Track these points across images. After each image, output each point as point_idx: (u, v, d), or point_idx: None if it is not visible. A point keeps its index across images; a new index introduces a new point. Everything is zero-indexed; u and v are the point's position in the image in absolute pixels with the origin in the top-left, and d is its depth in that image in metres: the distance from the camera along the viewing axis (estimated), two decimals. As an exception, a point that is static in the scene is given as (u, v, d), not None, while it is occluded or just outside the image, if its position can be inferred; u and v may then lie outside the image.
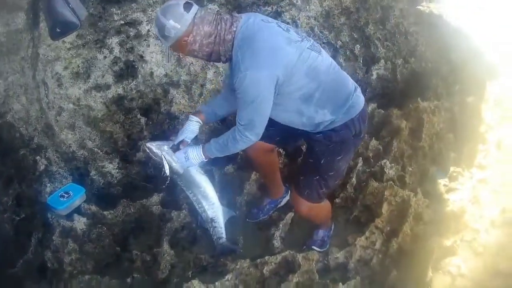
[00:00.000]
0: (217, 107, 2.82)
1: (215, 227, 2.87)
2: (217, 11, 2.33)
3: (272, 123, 2.43)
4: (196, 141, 2.79)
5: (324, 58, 2.39)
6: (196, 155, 2.58)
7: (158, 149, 2.64)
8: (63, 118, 3.36)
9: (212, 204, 2.83)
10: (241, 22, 2.26)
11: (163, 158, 2.61)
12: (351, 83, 2.52)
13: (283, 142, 3.06)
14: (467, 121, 3.81)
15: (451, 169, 3.43)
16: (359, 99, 2.50)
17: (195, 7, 2.21)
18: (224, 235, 2.88)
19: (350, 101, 2.43)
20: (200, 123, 2.77)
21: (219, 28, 2.22)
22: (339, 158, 2.53)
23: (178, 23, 2.16)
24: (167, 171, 2.63)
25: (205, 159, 2.59)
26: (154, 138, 3.60)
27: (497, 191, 3.16)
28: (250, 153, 2.93)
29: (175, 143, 2.68)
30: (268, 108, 2.27)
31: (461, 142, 3.69)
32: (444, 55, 4.18)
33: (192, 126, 2.74)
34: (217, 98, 2.88)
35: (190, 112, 3.54)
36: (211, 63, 3.68)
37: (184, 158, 2.60)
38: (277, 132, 2.69)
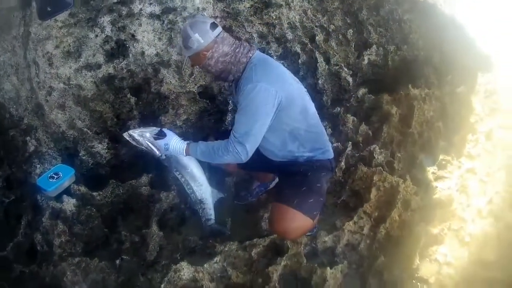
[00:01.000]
0: None
1: (204, 208, 2.88)
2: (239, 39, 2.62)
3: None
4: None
5: (313, 105, 2.68)
6: (177, 149, 2.64)
7: (140, 136, 2.67)
8: (53, 97, 3.30)
9: (200, 186, 2.85)
10: (257, 53, 2.53)
11: (148, 144, 2.68)
12: (326, 134, 2.84)
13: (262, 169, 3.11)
14: (457, 111, 3.83)
15: (440, 157, 3.46)
16: (331, 149, 2.81)
17: (219, 29, 2.48)
18: (213, 217, 2.90)
19: (326, 147, 2.75)
20: None
21: (236, 51, 2.47)
22: (323, 174, 2.70)
23: (202, 38, 2.41)
24: (156, 153, 2.71)
25: (185, 155, 2.66)
26: (143, 119, 3.61)
27: (485, 181, 3.21)
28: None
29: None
30: (265, 126, 2.41)
31: (451, 131, 3.71)
32: (437, 44, 4.17)
33: None
34: None
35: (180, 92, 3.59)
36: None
37: (163, 147, 2.66)
38: (254, 164, 2.71)
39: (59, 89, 3.32)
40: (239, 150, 2.37)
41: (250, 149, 2.39)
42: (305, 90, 2.66)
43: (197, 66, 2.62)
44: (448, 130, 3.72)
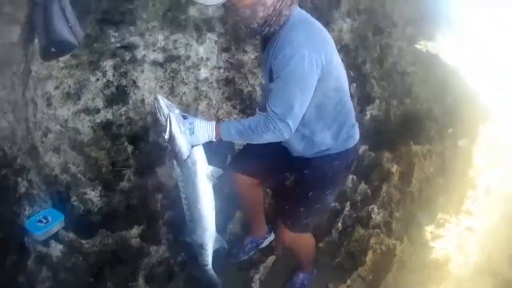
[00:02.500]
0: None
1: (202, 254, 2.56)
2: None
3: (261, 153, 2.41)
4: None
5: (347, 82, 2.34)
6: (205, 130, 2.18)
7: (167, 106, 2.16)
8: (49, 139, 3.33)
9: (205, 230, 2.45)
10: (297, 9, 2.14)
11: (168, 118, 2.13)
12: (354, 115, 2.48)
13: (271, 174, 2.94)
14: (458, 165, 3.85)
15: (439, 215, 3.45)
16: (357, 132, 2.47)
17: None
18: (210, 263, 2.61)
19: (352, 131, 2.41)
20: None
21: None
22: (328, 192, 2.48)
23: None
24: (166, 135, 2.14)
25: (215, 138, 2.19)
26: (139, 169, 3.58)
27: (483, 238, 3.23)
28: (236, 187, 2.79)
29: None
30: (308, 99, 2.09)
31: (451, 187, 3.72)
32: (439, 96, 4.20)
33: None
34: None
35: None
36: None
37: (188, 126, 2.17)
38: (265, 163, 2.59)
39: (55, 131, 3.35)
40: (280, 127, 2.05)
41: (293, 125, 2.08)
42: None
43: (237, 6, 2.04)
44: (448, 186, 3.72)
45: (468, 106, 4.08)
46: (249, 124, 2.14)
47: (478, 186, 3.65)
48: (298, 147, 2.39)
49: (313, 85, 2.06)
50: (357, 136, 2.45)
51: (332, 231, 3.32)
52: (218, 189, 2.40)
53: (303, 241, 2.72)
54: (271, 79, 2.11)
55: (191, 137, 2.16)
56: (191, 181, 2.26)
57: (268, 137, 2.11)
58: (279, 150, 2.47)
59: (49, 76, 3.27)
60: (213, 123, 2.18)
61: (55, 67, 3.27)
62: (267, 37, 2.16)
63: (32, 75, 3.22)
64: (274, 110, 2.04)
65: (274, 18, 2.05)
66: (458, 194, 3.61)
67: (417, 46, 4.50)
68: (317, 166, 2.40)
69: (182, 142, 2.14)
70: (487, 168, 3.80)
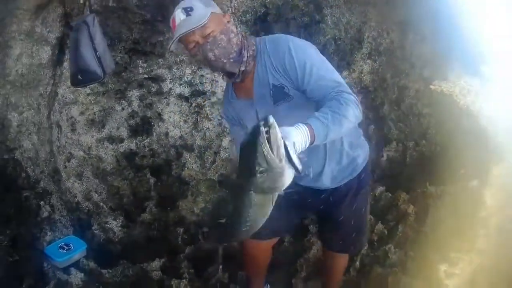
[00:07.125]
0: None
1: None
2: None
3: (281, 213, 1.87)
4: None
5: None
6: (303, 137, 1.65)
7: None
8: (72, 165, 3.40)
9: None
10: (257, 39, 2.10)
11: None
12: None
13: (290, 228, 2.85)
14: (470, 206, 3.85)
15: (452, 254, 3.45)
16: None
17: None
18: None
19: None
20: None
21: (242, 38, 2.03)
22: (366, 207, 2.60)
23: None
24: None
25: (310, 142, 1.69)
26: (160, 201, 3.61)
27: (496, 277, 3.21)
28: (249, 253, 2.66)
29: None
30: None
31: (463, 226, 3.72)
32: (452, 138, 4.24)
33: None
34: None
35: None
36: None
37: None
38: (285, 221, 2.40)
39: (78, 157, 3.42)
40: (349, 95, 1.81)
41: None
42: None
43: (213, 36, 1.90)
44: (460, 226, 3.72)
45: (479, 147, 4.12)
46: (331, 110, 1.76)
47: (490, 224, 3.68)
48: (335, 180, 2.23)
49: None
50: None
51: (350, 270, 3.38)
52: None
53: (346, 260, 2.90)
54: (277, 98, 1.99)
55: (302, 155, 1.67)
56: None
57: (355, 113, 1.80)
58: (295, 201, 2.16)
59: (75, 101, 3.35)
60: (305, 127, 1.67)
61: (81, 92, 3.35)
62: (247, 73, 2.04)
63: (58, 98, 3.29)
64: (336, 85, 1.86)
65: (247, 45, 2.00)
66: (470, 234, 3.64)
67: (432, 86, 4.57)
68: (362, 176, 2.33)
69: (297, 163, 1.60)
70: (500, 208, 3.83)
